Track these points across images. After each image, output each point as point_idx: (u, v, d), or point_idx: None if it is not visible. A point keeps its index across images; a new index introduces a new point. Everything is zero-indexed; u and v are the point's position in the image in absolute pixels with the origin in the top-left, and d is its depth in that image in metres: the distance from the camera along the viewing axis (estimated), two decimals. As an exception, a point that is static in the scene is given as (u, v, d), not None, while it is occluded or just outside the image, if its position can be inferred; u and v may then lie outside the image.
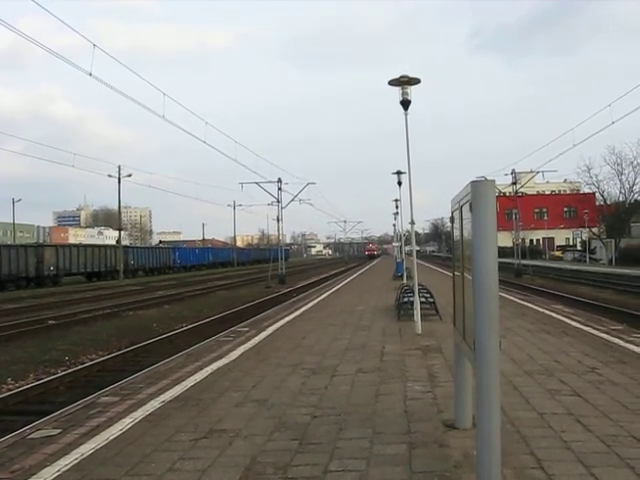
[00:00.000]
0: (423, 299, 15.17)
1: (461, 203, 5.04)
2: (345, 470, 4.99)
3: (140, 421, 6.71)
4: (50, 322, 23.01)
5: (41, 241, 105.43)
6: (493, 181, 4.39)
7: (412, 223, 15.32)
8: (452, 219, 5.90)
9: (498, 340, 4.28)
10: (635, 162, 74.75)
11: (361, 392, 7.76)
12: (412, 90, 12.58)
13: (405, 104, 12.69)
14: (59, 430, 6.47)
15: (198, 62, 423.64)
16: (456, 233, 5.65)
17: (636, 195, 77.76)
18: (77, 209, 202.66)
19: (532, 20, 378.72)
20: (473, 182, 4.40)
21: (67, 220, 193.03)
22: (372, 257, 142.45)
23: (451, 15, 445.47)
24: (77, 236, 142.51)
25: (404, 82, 12.44)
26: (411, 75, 12.43)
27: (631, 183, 76.82)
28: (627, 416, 6.31)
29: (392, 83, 12.50)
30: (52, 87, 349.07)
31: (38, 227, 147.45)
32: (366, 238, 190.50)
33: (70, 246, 61.41)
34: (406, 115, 12.90)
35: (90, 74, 22.33)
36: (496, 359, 4.27)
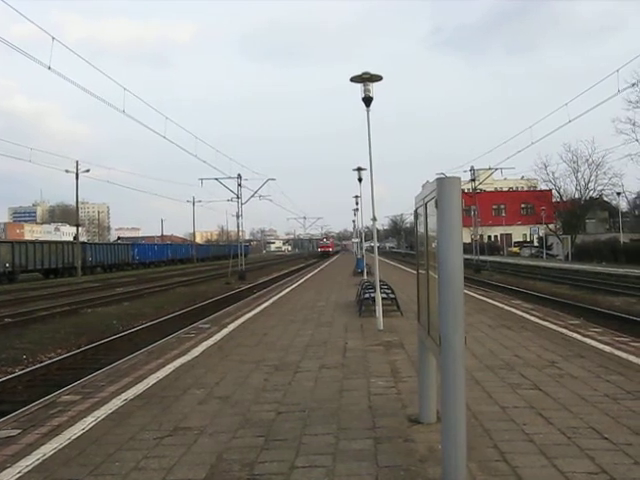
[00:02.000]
0: (384, 295, 15.25)
1: (426, 200, 5.07)
2: (312, 466, 4.99)
3: (103, 420, 6.62)
4: (6, 320, 22.56)
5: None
6: (458, 178, 4.43)
7: (374, 220, 15.37)
8: (416, 215, 5.94)
9: (463, 335, 4.34)
10: (590, 160, 76.15)
11: (325, 388, 7.78)
12: (374, 87, 12.60)
13: (367, 101, 12.69)
14: (19, 430, 6.36)
15: (158, 57, 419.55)
16: (420, 229, 5.69)
17: (591, 192, 79.26)
18: (33, 205, 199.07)
19: (490, 20, 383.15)
20: (439, 179, 4.44)
21: (23, 216, 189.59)
22: (327, 255, 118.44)
23: (411, 14, 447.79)
24: (33, 232, 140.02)
25: (366, 79, 12.44)
26: (373, 72, 12.47)
27: (586, 180, 78.19)
28: (586, 408, 6.44)
29: (354, 80, 12.50)
30: (9, 80, 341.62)
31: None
32: (325, 234, 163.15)
33: (26, 242, 60.26)
34: (368, 112, 12.93)
35: (49, 67, 21.94)
36: (462, 354, 4.32)
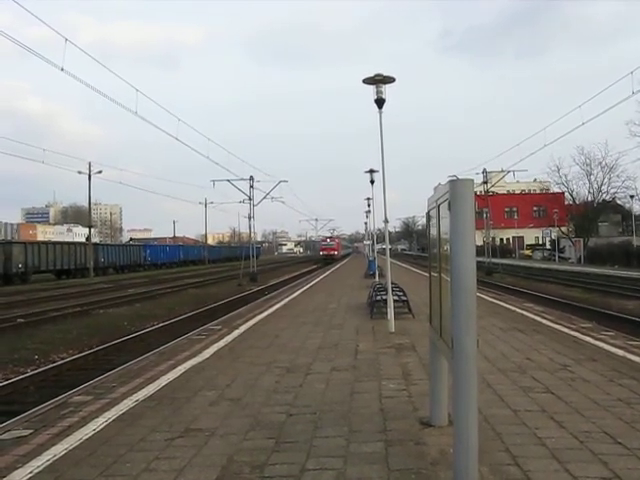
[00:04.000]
0: (396, 297, 15.21)
1: (438, 202, 5.05)
2: (322, 469, 4.98)
3: (114, 421, 6.63)
4: (19, 320, 22.65)
5: (9, 238, 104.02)
6: (471, 180, 4.42)
7: (386, 222, 15.33)
8: (428, 218, 5.92)
9: (476, 338, 4.32)
10: (603, 162, 75.88)
11: (336, 390, 7.75)
12: (386, 89, 12.58)
13: (379, 103, 12.67)
14: (30, 431, 6.37)
15: (170, 58, 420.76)
16: (433, 232, 5.67)
17: (604, 195, 78.92)
18: (46, 206, 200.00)
19: (502, 22, 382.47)
20: (452, 181, 4.42)
21: (36, 217, 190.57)
22: (331, 260, 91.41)
23: (421, 16, 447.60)
24: (46, 233, 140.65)
25: (378, 81, 12.43)
26: (385, 74, 12.45)
27: (599, 183, 78.01)
28: (599, 412, 6.40)
29: (366, 81, 12.49)
30: (22, 81, 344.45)
31: (6, 224, 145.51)
32: (330, 234, 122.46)
33: (39, 243, 60.51)
34: (380, 114, 12.90)
35: (62, 69, 22.01)
36: (473, 357, 4.30)
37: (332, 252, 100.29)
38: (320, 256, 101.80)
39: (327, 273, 48.70)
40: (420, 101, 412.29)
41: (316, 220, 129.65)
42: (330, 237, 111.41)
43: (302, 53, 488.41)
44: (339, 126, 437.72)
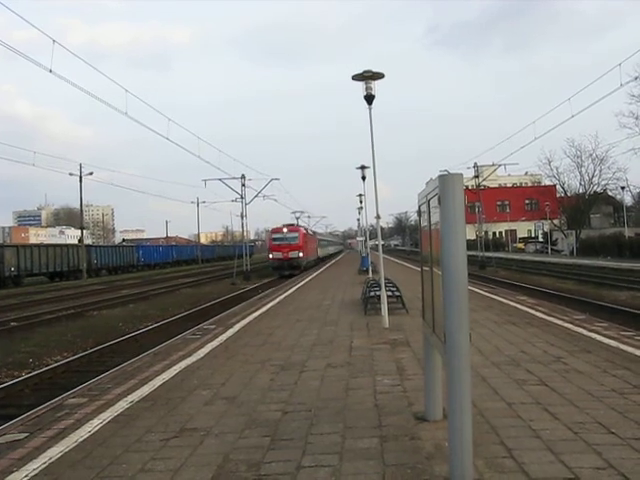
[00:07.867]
0: (389, 293, 15.22)
1: (429, 197, 5.06)
2: (318, 465, 4.98)
3: (109, 422, 6.62)
4: (12, 324, 22.63)
5: (1, 241, 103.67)
6: (461, 174, 4.42)
7: (378, 217, 15.34)
8: (419, 213, 5.93)
9: (468, 332, 4.33)
10: (594, 154, 76.18)
11: (331, 387, 7.77)
12: (376, 85, 12.58)
13: (369, 99, 12.68)
14: (26, 434, 6.36)
15: (160, 58, 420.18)
16: (424, 226, 5.67)
17: (595, 187, 79.18)
18: (38, 208, 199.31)
19: (489, 18, 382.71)
20: (441, 176, 4.42)
21: (28, 220, 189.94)
22: (289, 268, 50.49)
23: (409, 13, 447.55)
24: (38, 236, 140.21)
25: (368, 77, 12.43)
26: (375, 70, 12.45)
27: (590, 175, 78.36)
28: (593, 403, 6.42)
29: (356, 78, 12.49)
30: (10, 84, 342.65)
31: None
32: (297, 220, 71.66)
33: (31, 246, 60.43)
34: (370, 110, 12.91)
35: (50, 70, 21.92)
36: (467, 351, 4.31)
37: (291, 253, 52.51)
38: (270, 261, 54.65)
39: (321, 270, 48.65)
40: (412, 96, 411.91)
41: (309, 217, 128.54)
42: (290, 225, 59.05)
43: (292, 52, 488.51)
44: (330, 123, 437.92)
